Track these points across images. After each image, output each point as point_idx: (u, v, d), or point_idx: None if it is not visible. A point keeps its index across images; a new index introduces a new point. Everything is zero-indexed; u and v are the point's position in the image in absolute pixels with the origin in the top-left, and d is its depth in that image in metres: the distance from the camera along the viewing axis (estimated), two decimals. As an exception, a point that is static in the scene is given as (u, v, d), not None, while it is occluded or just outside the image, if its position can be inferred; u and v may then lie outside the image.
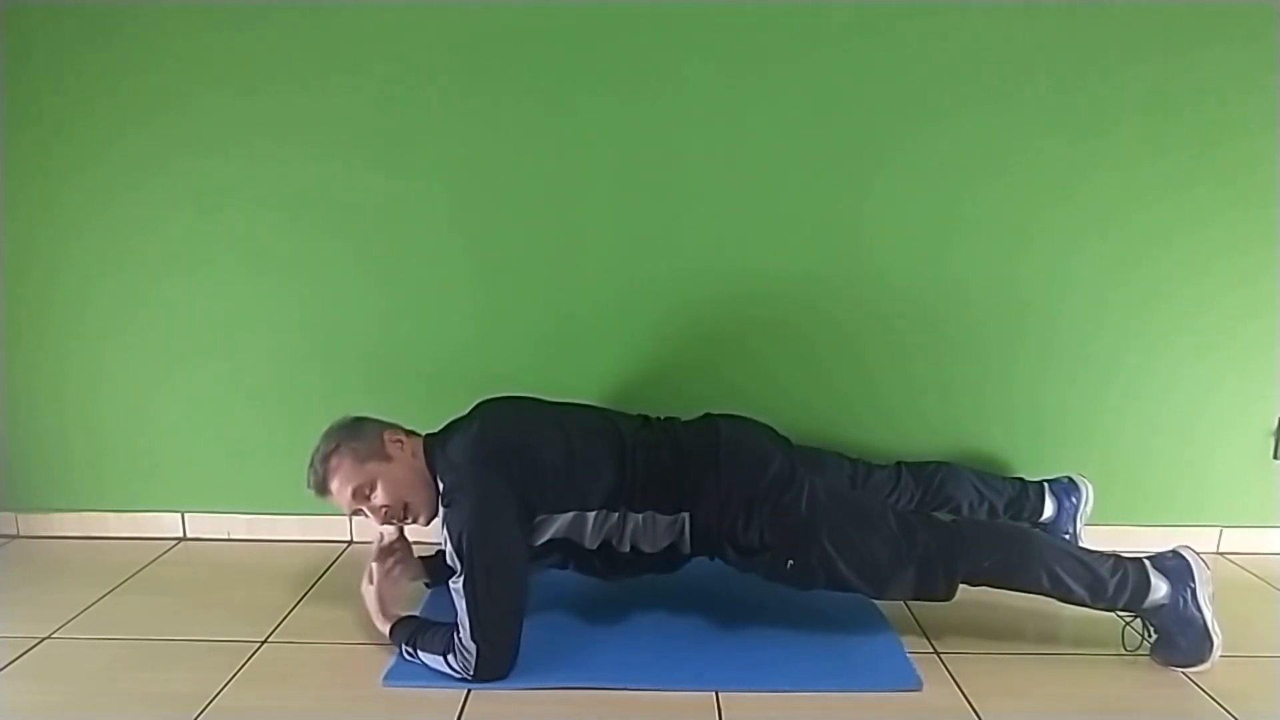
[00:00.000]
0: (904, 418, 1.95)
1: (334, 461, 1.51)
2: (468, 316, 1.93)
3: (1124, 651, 1.54)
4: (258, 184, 1.87)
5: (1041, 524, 1.80)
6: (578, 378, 1.91)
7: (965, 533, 1.53)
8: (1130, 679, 1.47)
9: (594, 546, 1.54)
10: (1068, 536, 1.78)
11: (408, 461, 1.53)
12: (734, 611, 1.65)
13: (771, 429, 1.71)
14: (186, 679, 1.44)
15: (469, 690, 1.40)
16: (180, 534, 2.05)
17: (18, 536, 2.07)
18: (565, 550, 1.56)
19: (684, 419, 1.69)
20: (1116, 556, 1.52)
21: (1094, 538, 1.99)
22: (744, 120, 1.82)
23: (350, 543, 2.03)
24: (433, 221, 1.88)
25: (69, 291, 1.93)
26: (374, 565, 1.57)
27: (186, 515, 2.05)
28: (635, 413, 1.69)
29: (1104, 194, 1.85)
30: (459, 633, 1.40)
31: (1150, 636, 1.53)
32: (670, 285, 1.90)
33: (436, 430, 1.61)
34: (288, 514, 2.03)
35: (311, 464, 1.53)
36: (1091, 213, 1.86)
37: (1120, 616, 1.53)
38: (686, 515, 1.53)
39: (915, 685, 1.43)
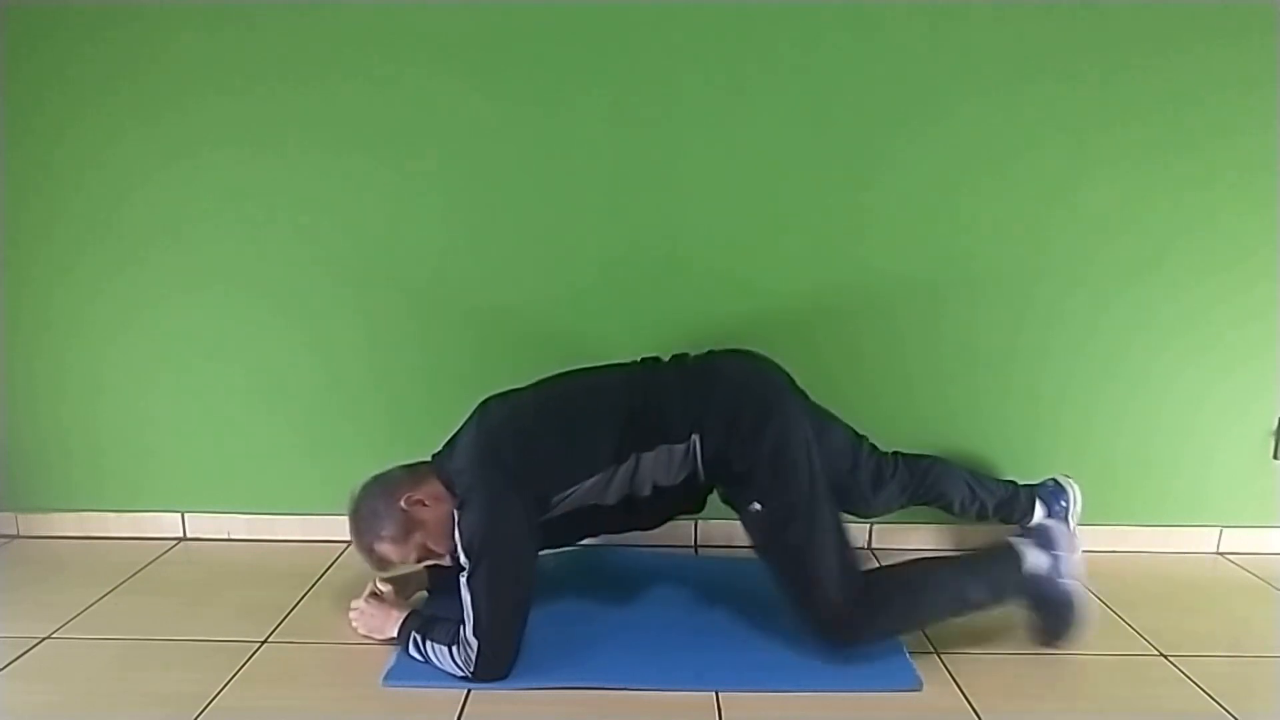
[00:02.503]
0: (900, 415, 1.94)
1: (380, 550, 1.53)
2: (467, 318, 1.93)
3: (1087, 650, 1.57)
4: (259, 185, 1.87)
5: (1031, 528, 1.77)
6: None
7: (878, 605, 1.51)
8: (1130, 679, 1.48)
9: (615, 501, 1.54)
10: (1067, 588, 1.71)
11: (437, 512, 1.52)
12: (734, 611, 1.65)
13: (788, 376, 1.68)
14: (186, 679, 1.44)
15: (469, 690, 1.40)
16: (180, 534, 2.05)
17: (18, 536, 2.07)
18: (591, 517, 1.56)
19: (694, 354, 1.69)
20: (991, 555, 1.57)
21: (1095, 537, 2.00)
22: (744, 118, 1.82)
23: (350, 543, 2.02)
24: (432, 225, 1.88)
25: (69, 291, 1.93)
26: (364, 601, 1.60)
27: (186, 515, 2.05)
28: (640, 359, 1.69)
29: (1104, 194, 1.85)
30: (464, 627, 1.41)
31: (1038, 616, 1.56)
32: (669, 285, 1.90)
33: (441, 448, 1.61)
34: (288, 514, 2.03)
35: (362, 551, 1.55)
36: (1092, 212, 1.86)
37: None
38: (697, 438, 1.52)
39: (915, 685, 1.43)
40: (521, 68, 1.81)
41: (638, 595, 1.73)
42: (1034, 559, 1.53)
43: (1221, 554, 2.01)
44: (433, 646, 1.45)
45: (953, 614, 1.54)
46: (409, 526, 1.51)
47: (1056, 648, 1.54)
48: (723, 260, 1.89)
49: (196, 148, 1.85)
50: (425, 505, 1.52)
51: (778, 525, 1.50)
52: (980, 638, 1.59)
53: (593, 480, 1.51)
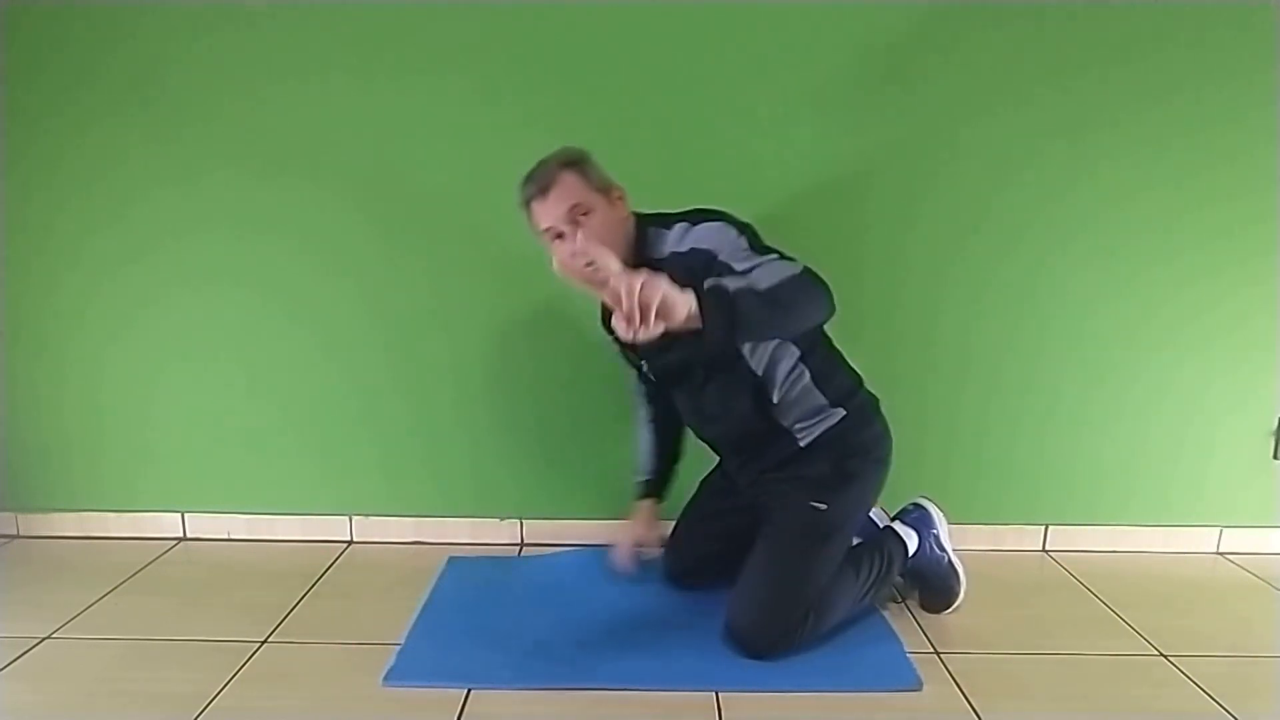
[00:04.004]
0: (889, 411, 1.94)
1: (573, 170, 1.45)
2: (464, 321, 1.93)
3: (899, 600, 1.72)
4: (261, 185, 1.87)
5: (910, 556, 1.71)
6: (576, 391, 1.95)
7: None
8: (1130, 679, 1.47)
9: (752, 368, 1.51)
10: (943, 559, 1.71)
11: (623, 218, 1.50)
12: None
13: None
14: (186, 679, 1.43)
15: (469, 690, 1.40)
16: (180, 534, 2.05)
17: (18, 536, 2.07)
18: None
19: None
20: (871, 549, 1.63)
21: (1095, 537, 2.01)
22: (743, 119, 1.82)
23: (350, 543, 2.03)
24: (437, 222, 1.88)
25: (70, 291, 1.94)
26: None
27: (186, 515, 2.05)
28: None
29: (1102, 192, 1.85)
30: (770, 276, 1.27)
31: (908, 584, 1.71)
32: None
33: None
34: (288, 514, 2.03)
35: (545, 161, 1.47)
36: (1089, 211, 1.86)
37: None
38: (843, 412, 1.54)
39: (915, 685, 1.43)
40: (521, 68, 1.81)
41: (638, 595, 1.73)
42: (914, 541, 1.67)
43: (1221, 554, 2.01)
44: (740, 280, 1.25)
45: (851, 612, 1.59)
46: (605, 190, 1.47)
47: (940, 615, 1.67)
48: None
49: (199, 148, 1.85)
50: (622, 207, 1.50)
51: (823, 531, 1.53)
52: (980, 638, 1.60)
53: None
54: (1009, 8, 1.77)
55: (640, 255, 1.46)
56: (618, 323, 1.07)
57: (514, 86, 1.81)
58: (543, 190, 1.44)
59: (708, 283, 1.14)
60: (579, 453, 1.99)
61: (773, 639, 1.49)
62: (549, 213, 1.44)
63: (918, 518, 1.71)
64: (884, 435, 1.62)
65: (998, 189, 1.85)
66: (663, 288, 1.07)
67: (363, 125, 1.84)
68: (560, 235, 1.45)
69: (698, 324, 1.10)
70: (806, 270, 1.27)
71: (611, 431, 1.96)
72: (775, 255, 1.34)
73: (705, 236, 1.38)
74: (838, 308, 1.31)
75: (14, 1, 1.80)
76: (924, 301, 1.91)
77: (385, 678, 1.44)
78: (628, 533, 1.78)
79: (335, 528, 2.03)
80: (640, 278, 1.05)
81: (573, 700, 1.38)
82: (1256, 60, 1.78)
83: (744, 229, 1.39)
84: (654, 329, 1.08)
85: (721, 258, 1.34)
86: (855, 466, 1.56)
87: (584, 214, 1.43)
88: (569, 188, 1.44)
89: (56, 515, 2.06)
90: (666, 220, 1.48)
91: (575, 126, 1.82)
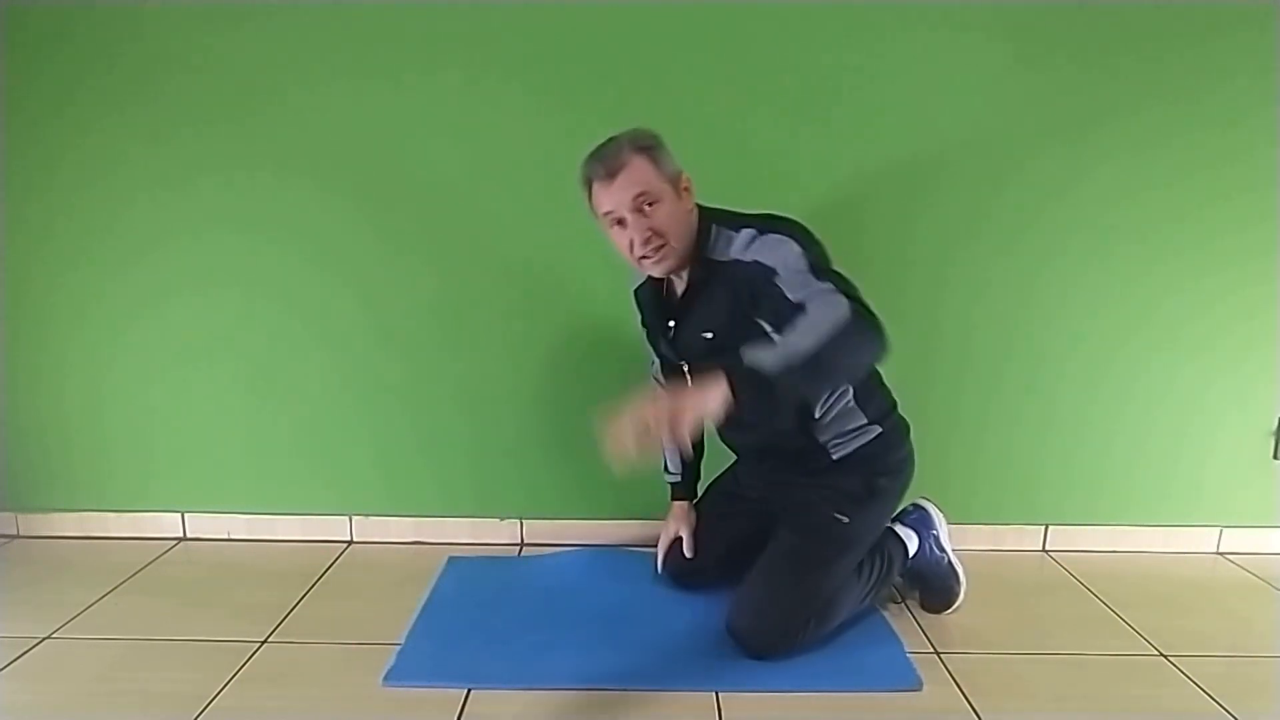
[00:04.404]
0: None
1: (645, 155, 1.38)
2: (464, 321, 1.93)
3: (900, 601, 1.73)
4: (262, 185, 1.87)
5: (906, 509, 1.74)
6: (576, 391, 1.94)
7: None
8: (1130, 679, 1.47)
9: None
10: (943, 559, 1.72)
11: (689, 209, 1.44)
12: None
13: None
14: (186, 679, 1.44)
15: (469, 690, 1.40)
16: (180, 534, 2.05)
17: (18, 536, 2.07)
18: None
19: None
20: (872, 550, 1.61)
21: (1095, 537, 2.01)
22: (744, 123, 1.82)
23: (350, 543, 2.03)
24: (437, 222, 1.88)
25: (71, 292, 1.94)
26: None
27: (186, 515, 2.05)
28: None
29: (1103, 191, 1.85)
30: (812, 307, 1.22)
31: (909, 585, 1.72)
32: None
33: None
34: (288, 514, 2.03)
35: (615, 140, 1.40)
36: (1090, 209, 1.86)
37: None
38: (878, 429, 1.54)
39: (915, 685, 1.43)
40: (523, 68, 1.81)
41: (638, 595, 1.73)
42: (914, 542, 1.67)
43: (1221, 554, 2.01)
44: (780, 345, 1.16)
45: (851, 614, 1.59)
46: (674, 180, 1.40)
47: (941, 615, 1.68)
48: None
49: (199, 148, 1.85)
50: (688, 193, 1.44)
51: (841, 543, 1.54)
52: (980, 638, 1.60)
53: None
54: (1009, 7, 1.77)
55: (701, 251, 1.44)
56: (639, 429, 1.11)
57: (515, 87, 1.81)
58: (610, 173, 1.37)
59: (746, 357, 1.13)
60: (579, 453, 1.99)
61: (773, 640, 1.49)
62: (613, 197, 1.38)
63: (917, 518, 1.72)
64: (909, 459, 1.62)
65: (998, 189, 1.85)
66: (698, 410, 1.10)
67: (363, 126, 1.84)
68: (621, 221, 1.40)
69: (733, 408, 1.12)
70: (857, 312, 1.20)
71: (611, 431, 1.97)
72: (830, 285, 1.26)
73: (769, 250, 1.34)
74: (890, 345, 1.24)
75: (14, 1, 1.80)
76: (924, 301, 1.91)
77: (385, 678, 1.44)
78: (665, 534, 1.77)
79: (335, 528, 2.03)
80: (672, 409, 1.10)
81: (573, 700, 1.38)
82: (1257, 60, 1.79)
83: (809, 247, 1.34)
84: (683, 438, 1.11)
85: (777, 279, 1.30)
86: (884, 485, 1.57)
87: (650, 204, 1.38)
88: (638, 174, 1.37)
89: (57, 515, 2.06)
90: (734, 221, 1.43)
91: (575, 127, 1.82)
